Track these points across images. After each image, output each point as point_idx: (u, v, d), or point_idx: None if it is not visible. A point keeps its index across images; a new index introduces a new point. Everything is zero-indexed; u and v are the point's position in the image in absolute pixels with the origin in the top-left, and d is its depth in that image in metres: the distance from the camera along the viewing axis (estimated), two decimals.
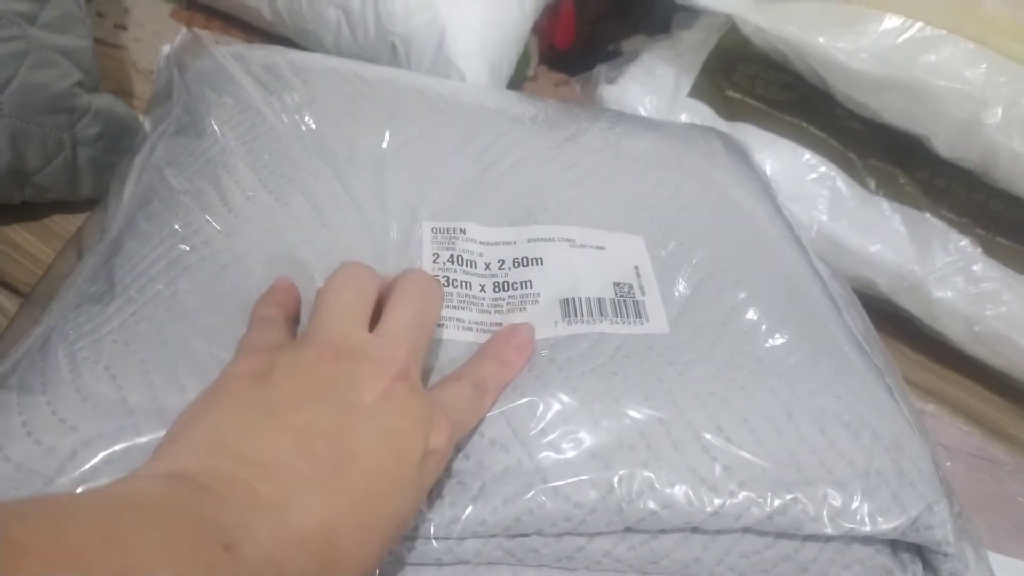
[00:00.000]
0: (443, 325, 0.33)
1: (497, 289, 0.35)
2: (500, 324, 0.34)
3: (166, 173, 0.36)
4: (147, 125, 0.45)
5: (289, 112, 0.39)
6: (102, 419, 0.27)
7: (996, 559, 0.46)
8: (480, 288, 0.35)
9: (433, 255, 0.35)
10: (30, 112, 0.48)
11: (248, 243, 0.32)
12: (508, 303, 0.34)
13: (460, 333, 0.33)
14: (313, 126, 0.38)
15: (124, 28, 0.68)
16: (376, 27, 0.59)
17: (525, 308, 0.34)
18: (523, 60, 0.65)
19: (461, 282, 0.34)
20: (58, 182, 0.51)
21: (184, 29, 0.47)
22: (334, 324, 0.27)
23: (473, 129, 0.42)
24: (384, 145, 0.39)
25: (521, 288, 0.35)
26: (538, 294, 0.35)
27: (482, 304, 0.34)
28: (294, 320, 0.31)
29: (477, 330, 0.33)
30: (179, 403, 0.27)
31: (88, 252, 0.36)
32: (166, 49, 0.46)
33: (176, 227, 0.33)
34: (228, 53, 0.43)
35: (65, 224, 0.53)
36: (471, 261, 0.35)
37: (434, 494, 0.27)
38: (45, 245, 0.52)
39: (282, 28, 0.65)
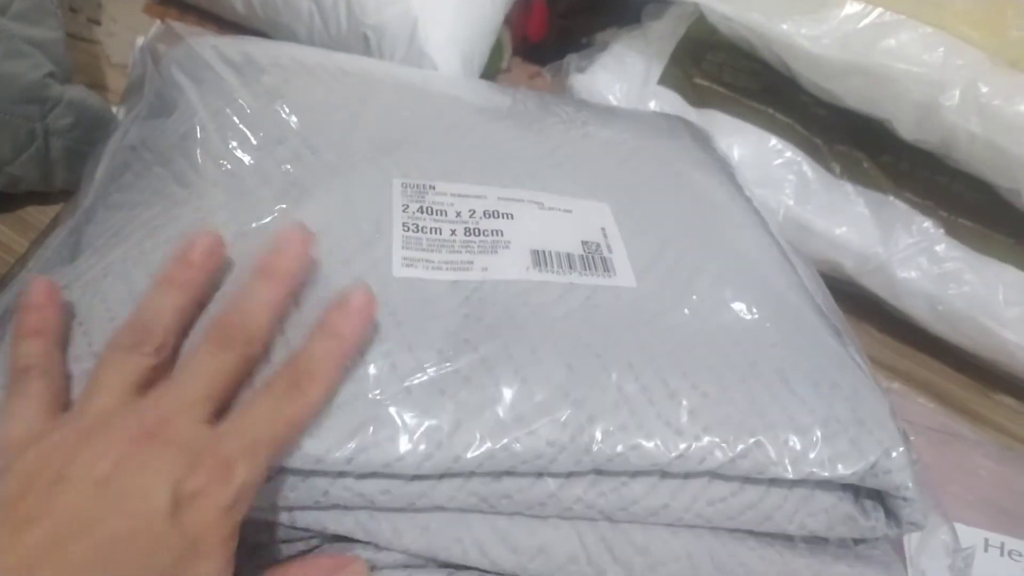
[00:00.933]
0: (412, 266, 0.33)
1: (468, 233, 0.35)
2: (471, 263, 0.34)
3: (139, 150, 0.36)
4: (121, 115, 0.46)
5: (262, 95, 0.39)
6: (70, 364, 0.27)
7: (958, 529, 0.48)
8: (451, 232, 0.35)
9: (403, 205, 0.36)
10: (2, 102, 0.48)
11: (216, 202, 0.33)
12: (479, 246, 0.35)
13: (430, 272, 0.33)
14: (286, 108, 0.39)
15: (98, 23, 0.68)
16: (348, 19, 0.60)
17: (496, 251, 0.35)
18: (496, 52, 0.66)
19: (431, 228, 0.35)
20: (31, 172, 0.51)
21: (158, 21, 0.47)
22: (96, 396, 0.26)
23: (443, 108, 0.43)
24: (356, 121, 0.39)
25: (492, 235, 0.36)
26: (509, 241, 0.36)
27: (452, 246, 0.35)
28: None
29: (447, 268, 0.34)
30: None
31: (57, 228, 0.36)
32: (141, 40, 0.46)
33: (147, 194, 0.33)
34: (203, 41, 0.43)
35: (39, 215, 0.53)
36: (441, 210, 0.36)
37: (408, 433, 0.27)
38: (19, 236, 0.51)
39: (255, 21, 0.66)
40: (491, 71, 0.67)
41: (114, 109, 0.55)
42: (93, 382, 0.26)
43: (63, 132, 0.52)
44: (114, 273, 0.30)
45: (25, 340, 0.27)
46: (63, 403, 0.27)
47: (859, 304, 0.59)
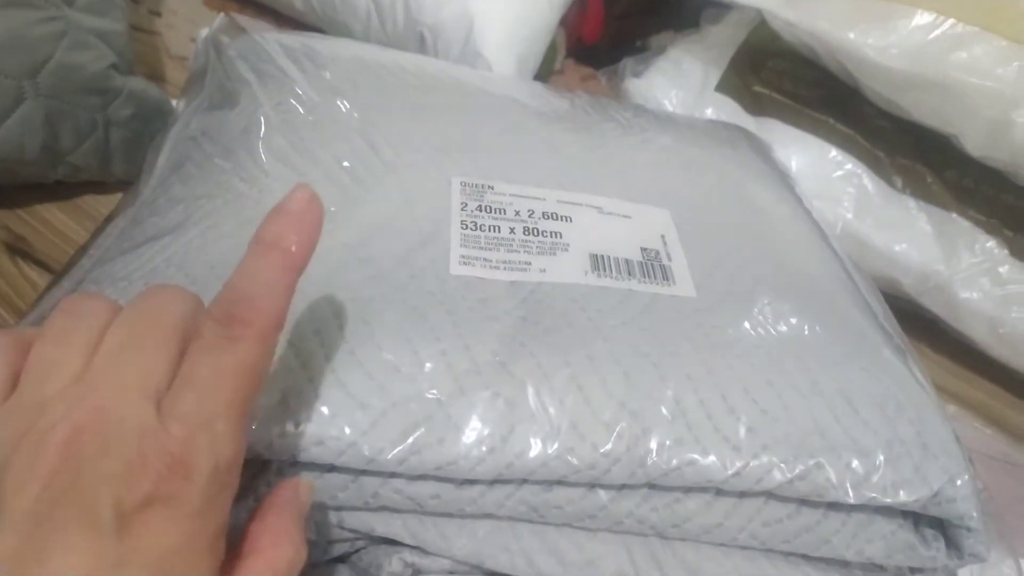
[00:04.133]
0: (470, 264, 0.33)
1: (526, 233, 0.35)
2: (529, 264, 0.34)
3: (200, 141, 0.37)
4: (181, 106, 0.46)
5: (324, 91, 0.39)
6: None
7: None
8: (510, 231, 0.35)
9: (461, 204, 0.35)
10: (65, 92, 0.49)
11: (276, 196, 0.32)
12: (538, 247, 0.35)
13: (487, 271, 0.33)
14: (347, 104, 0.39)
15: (158, 15, 0.69)
16: (405, 17, 0.60)
17: (555, 253, 0.35)
18: (550, 53, 0.65)
19: (489, 226, 0.35)
20: (91, 162, 0.52)
21: (222, 14, 0.48)
22: (30, 388, 0.21)
23: (502, 109, 0.43)
24: (415, 119, 0.39)
25: (551, 236, 0.35)
26: (568, 244, 0.35)
27: (511, 245, 0.34)
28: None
29: (505, 268, 0.33)
30: None
31: (117, 217, 0.37)
32: (204, 32, 0.47)
33: (209, 186, 0.33)
34: (266, 35, 0.43)
35: (96, 204, 0.54)
36: (500, 209, 0.36)
37: (462, 436, 0.27)
38: (77, 224, 0.52)
39: (312, 18, 0.67)
40: (544, 72, 0.66)
41: (173, 102, 0.55)
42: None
43: (123, 123, 0.52)
44: (176, 264, 0.30)
45: None
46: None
47: (916, 323, 0.57)
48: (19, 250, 0.50)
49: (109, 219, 0.42)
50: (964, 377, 0.58)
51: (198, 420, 0.20)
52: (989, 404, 0.56)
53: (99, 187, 0.54)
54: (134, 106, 0.53)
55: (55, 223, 0.52)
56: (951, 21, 0.50)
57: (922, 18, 0.51)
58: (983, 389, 0.57)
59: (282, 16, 0.70)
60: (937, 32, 0.50)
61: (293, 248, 0.22)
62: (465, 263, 0.33)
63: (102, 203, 0.54)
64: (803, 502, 0.30)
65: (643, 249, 0.36)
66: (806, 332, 0.34)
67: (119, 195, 0.53)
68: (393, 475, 0.27)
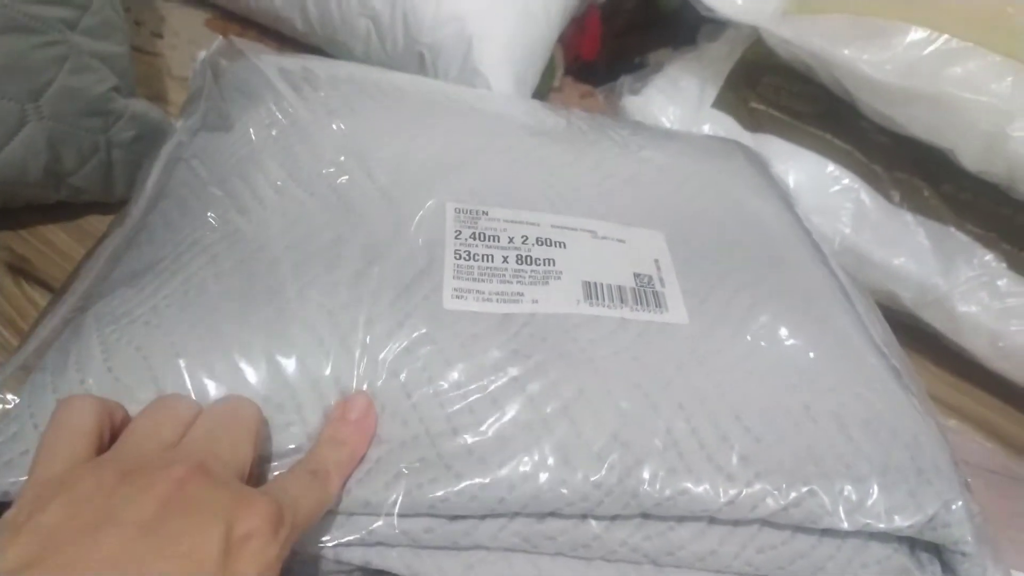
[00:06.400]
0: (462, 297, 0.33)
1: (520, 261, 0.35)
2: (522, 295, 0.34)
3: (195, 166, 0.37)
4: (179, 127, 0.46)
5: (320, 114, 0.40)
6: (132, 400, 0.27)
7: None
8: (503, 260, 0.35)
9: (455, 232, 0.36)
10: (68, 115, 0.49)
11: (274, 231, 0.33)
12: (531, 276, 0.35)
13: (480, 304, 0.33)
14: (343, 127, 0.39)
15: (160, 36, 0.69)
16: (405, 37, 0.61)
17: (548, 283, 0.35)
18: (549, 71, 0.66)
19: (482, 255, 0.35)
20: (93, 183, 0.53)
21: (220, 38, 0.48)
22: (132, 444, 0.25)
23: (498, 130, 0.43)
24: (411, 143, 0.39)
25: (544, 264, 0.35)
26: (561, 272, 0.35)
27: (504, 275, 0.34)
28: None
29: (497, 300, 0.33)
30: (209, 384, 0.28)
31: (108, 237, 0.37)
32: (202, 54, 0.47)
33: (206, 217, 0.34)
34: (265, 59, 0.44)
35: (98, 224, 0.54)
36: (494, 236, 0.36)
37: (451, 472, 0.27)
38: (79, 245, 0.53)
39: (314, 38, 0.67)
40: (543, 90, 0.66)
41: (176, 123, 0.56)
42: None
43: (125, 144, 0.53)
44: (177, 304, 0.30)
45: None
46: (106, 443, 0.26)
47: (916, 337, 0.57)
48: (22, 270, 0.50)
49: (100, 240, 0.43)
50: (964, 391, 0.57)
51: (291, 497, 0.25)
52: (989, 418, 0.56)
53: (102, 208, 0.55)
54: (136, 128, 0.53)
55: (58, 243, 0.53)
56: (945, 37, 0.50)
57: (917, 34, 0.51)
58: (983, 403, 0.57)
59: (283, 37, 0.70)
60: (932, 48, 0.51)
61: (350, 446, 0.29)
62: (458, 297, 0.33)
63: (104, 223, 0.53)
64: (798, 528, 0.30)
65: (636, 275, 0.36)
66: (800, 357, 0.34)
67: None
68: (388, 512, 0.27)
